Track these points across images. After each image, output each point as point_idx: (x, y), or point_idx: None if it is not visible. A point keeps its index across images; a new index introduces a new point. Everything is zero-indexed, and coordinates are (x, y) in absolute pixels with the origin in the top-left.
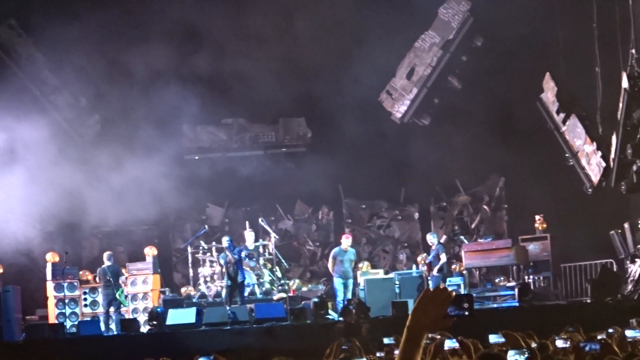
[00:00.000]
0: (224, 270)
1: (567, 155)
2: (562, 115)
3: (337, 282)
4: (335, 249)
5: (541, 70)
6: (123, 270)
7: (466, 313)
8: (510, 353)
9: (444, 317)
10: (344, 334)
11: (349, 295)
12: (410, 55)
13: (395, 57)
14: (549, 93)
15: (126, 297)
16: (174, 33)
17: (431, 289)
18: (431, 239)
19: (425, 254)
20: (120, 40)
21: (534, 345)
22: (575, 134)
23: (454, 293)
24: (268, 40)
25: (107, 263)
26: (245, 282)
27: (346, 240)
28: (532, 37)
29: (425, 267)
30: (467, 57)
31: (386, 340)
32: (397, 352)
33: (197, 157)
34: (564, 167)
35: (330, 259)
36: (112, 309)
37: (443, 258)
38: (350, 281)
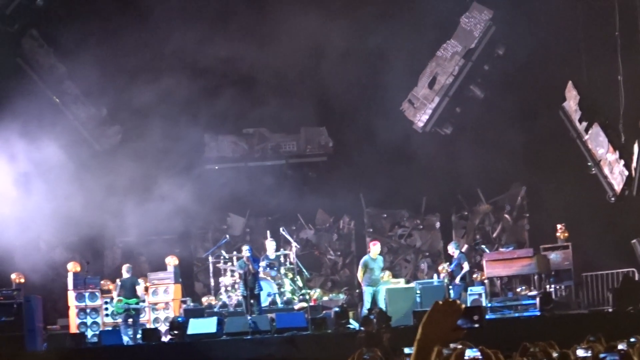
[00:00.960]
0: (241, 279)
1: (589, 164)
2: (584, 123)
3: (367, 291)
4: (365, 258)
5: (563, 78)
6: (140, 280)
7: (476, 325)
8: None
9: (454, 329)
10: (365, 343)
11: (382, 303)
12: (432, 64)
13: (418, 66)
14: (572, 101)
15: (128, 309)
16: (196, 43)
17: (440, 302)
18: (452, 248)
19: (447, 263)
20: (140, 50)
21: (555, 355)
22: (597, 142)
23: (463, 305)
24: (289, 50)
25: (125, 275)
26: (267, 292)
27: (375, 248)
28: (554, 45)
29: (447, 276)
30: (489, 65)
31: (407, 350)
32: None
33: (218, 167)
34: (587, 175)
35: (361, 268)
36: (130, 320)
37: (465, 267)
38: (381, 287)
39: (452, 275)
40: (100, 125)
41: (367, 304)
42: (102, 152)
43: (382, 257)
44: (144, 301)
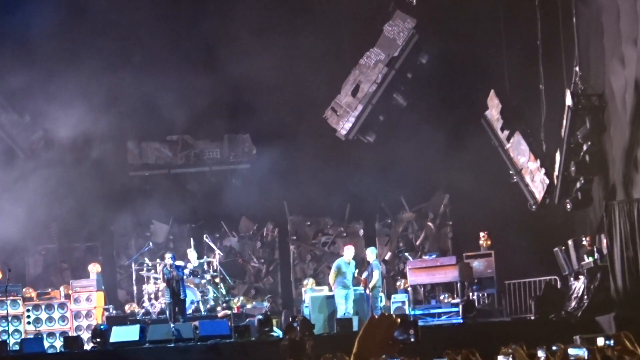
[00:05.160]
0: (166, 286)
1: (511, 172)
2: (506, 132)
3: (340, 295)
4: (339, 261)
5: (486, 87)
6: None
7: (412, 339)
8: None
9: (390, 343)
10: (289, 351)
11: (350, 309)
12: (355, 72)
13: (340, 74)
14: (494, 110)
15: None
16: (119, 50)
17: (376, 316)
18: (368, 254)
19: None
20: (63, 55)
21: None
22: (519, 151)
23: (398, 320)
24: (212, 56)
25: None
26: (190, 299)
27: (349, 252)
28: (477, 54)
29: (363, 285)
30: (412, 74)
31: None
32: None
33: (141, 174)
34: (508, 184)
35: (334, 271)
36: None
37: (376, 275)
38: (351, 291)
39: (366, 283)
40: (23, 132)
41: (341, 306)
42: (25, 158)
43: (354, 261)
44: None
